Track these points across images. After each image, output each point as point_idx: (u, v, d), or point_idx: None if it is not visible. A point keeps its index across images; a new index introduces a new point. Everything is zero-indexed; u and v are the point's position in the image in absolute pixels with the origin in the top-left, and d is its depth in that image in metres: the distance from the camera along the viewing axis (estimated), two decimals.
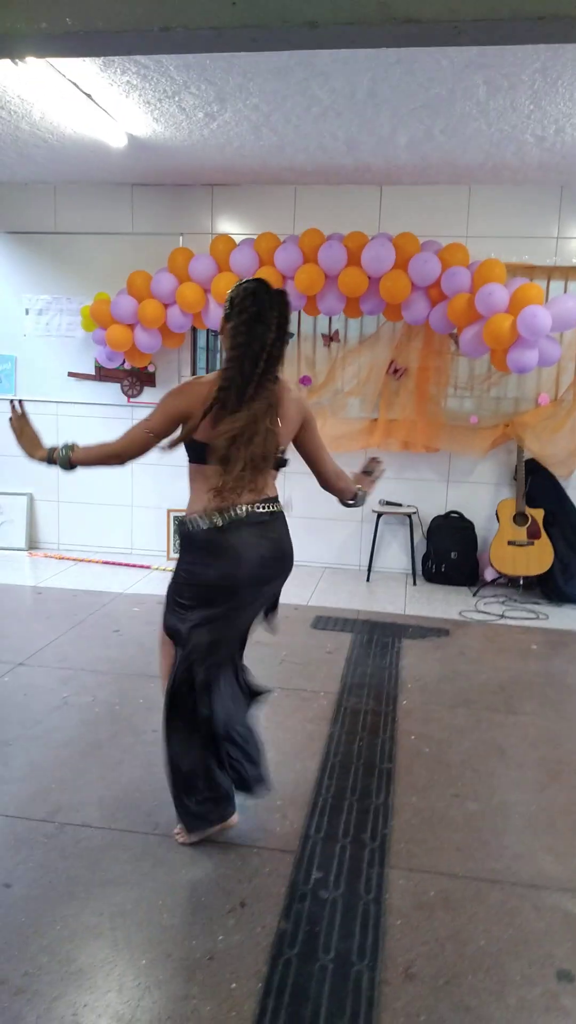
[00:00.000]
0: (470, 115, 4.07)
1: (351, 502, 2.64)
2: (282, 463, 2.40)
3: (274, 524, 2.37)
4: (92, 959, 1.96)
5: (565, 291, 5.32)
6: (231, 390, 2.20)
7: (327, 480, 2.55)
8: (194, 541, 2.30)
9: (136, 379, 5.94)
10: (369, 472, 2.73)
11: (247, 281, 2.29)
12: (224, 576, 2.28)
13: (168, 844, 2.43)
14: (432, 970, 1.95)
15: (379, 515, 5.71)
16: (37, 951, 1.98)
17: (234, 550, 2.26)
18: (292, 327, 5.89)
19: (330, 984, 1.88)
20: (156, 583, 5.41)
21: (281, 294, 2.24)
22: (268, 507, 2.34)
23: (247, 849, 2.42)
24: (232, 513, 2.25)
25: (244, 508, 2.26)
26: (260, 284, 2.25)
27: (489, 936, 2.07)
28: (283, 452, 2.39)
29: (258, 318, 2.19)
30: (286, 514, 2.44)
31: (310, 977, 1.91)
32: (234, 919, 2.11)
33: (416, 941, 2.05)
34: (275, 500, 2.39)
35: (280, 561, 2.39)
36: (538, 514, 5.32)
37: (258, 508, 2.30)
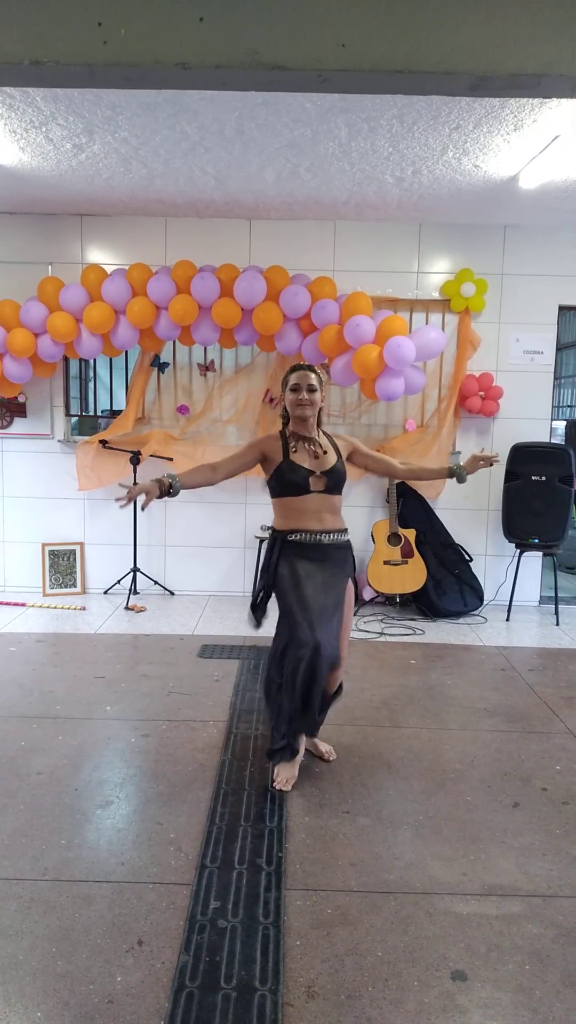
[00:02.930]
0: (333, 155, 4.26)
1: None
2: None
3: None
4: None
5: (427, 322, 5.62)
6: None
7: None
8: None
9: (5, 410, 5.76)
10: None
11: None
12: None
13: (59, 888, 2.35)
14: (333, 986, 1.97)
15: (261, 540, 5.76)
16: None
17: None
18: (166, 357, 5.86)
19: (234, 1012, 1.87)
20: (32, 621, 5.22)
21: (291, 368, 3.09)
22: None
23: (142, 885, 2.38)
24: None
25: None
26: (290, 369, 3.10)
27: (386, 946, 2.13)
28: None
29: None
30: None
31: (213, 1008, 1.89)
32: (132, 958, 2.06)
33: (316, 959, 2.07)
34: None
35: None
36: (410, 534, 5.55)
37: None
